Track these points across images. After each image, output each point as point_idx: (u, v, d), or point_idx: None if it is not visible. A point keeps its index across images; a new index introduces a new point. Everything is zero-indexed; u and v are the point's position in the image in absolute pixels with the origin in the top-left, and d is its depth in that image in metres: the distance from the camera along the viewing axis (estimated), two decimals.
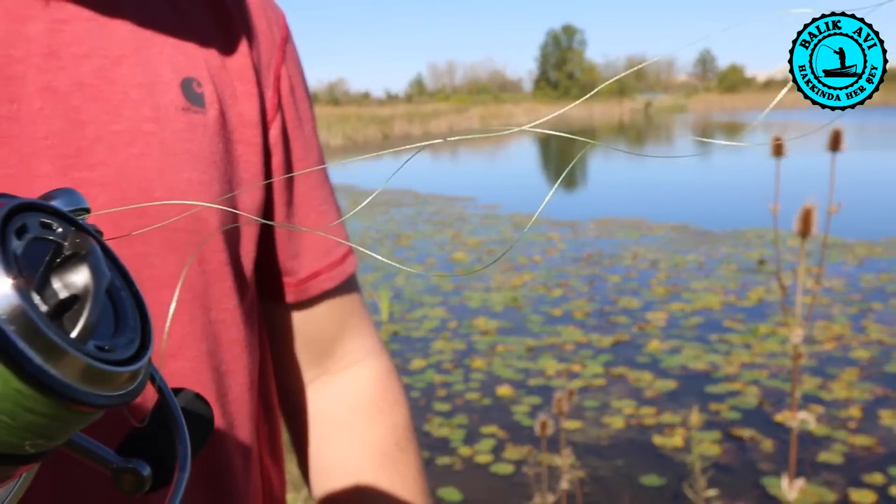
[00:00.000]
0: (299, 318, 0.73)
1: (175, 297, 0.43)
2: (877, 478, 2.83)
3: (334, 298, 0.74)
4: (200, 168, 0.59)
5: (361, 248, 0.34)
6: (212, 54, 0.63)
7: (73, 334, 0.24)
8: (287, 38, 0.71)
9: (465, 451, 3.24)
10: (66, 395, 0.23)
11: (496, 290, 5.74)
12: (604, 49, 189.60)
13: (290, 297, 0.72)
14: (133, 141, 0.56)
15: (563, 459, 2.30)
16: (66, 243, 0.25)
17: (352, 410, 0.75)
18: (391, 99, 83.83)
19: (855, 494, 2.74)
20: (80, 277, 0.24)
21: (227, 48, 0.65)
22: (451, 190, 11.60)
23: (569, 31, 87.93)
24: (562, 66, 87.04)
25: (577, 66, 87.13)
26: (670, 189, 11.51)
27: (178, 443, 0.31)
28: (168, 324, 0.55)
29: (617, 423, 3.42)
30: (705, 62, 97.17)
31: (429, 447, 3.26)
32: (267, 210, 0.69)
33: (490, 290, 5.73)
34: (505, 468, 3.08)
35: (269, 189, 0.68)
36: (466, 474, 3.06)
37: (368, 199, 0.34)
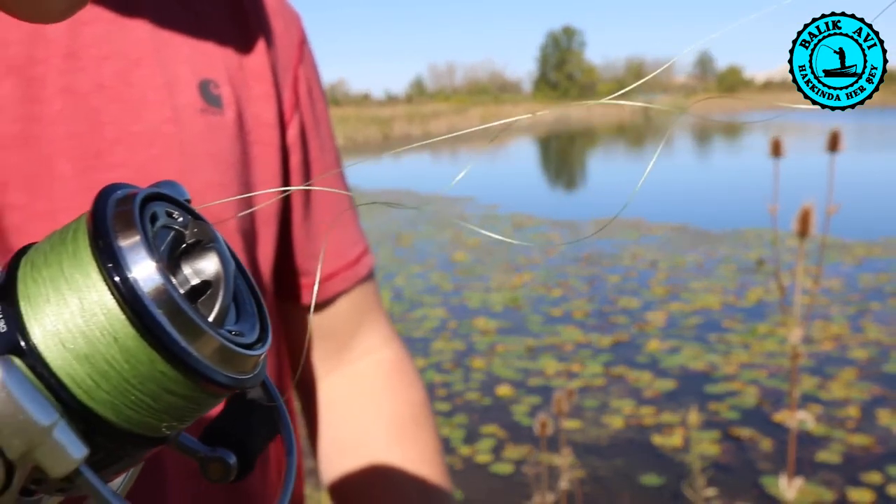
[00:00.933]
0: (316, 317, 0.74)
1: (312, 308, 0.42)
2: (875, 477, 2.84)
3: (350, 297, 0.75)
4: (220, 169, 0.60)
5: (473, 227, 0.35)
6: (229, 55, 0.64)
7: (210, 318, 0.25)
8: (304, 40, 0.72)
9: (464, 450, 3.24)
10: (209, 377, 0.24)
11: (496, 290, 5.74)
12: (603, 50, 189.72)
13: (306, 298, 0.72)
14: (152, 142, 0.57)
15: (563, 459, 2.31)
16: (186, 232, 0.26)
17: (366, 392, 0.75)
18: (391, 100, 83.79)
19: (853, 493, 2.75)
20: (209, 264, 0.25)
21: (245, 49, 0.65)
22: (451, 190, 11.59)
23: (568, 32, 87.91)
24: (561, 67, 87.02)
25: (576, 67, 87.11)
26: (669, 189, 11.50)
27: (282, 430, 0.32)
28: (310, 334, 0.56)
29: (616, 422, 3.42)
30: (704, 63, 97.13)
31: None
32: (285, 211, 0.69)
33: (490, 290, 5.73)
34: (505, 468, 3.09)
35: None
36: (466, 474, 3.07)
37: (455, 179, 0.34)
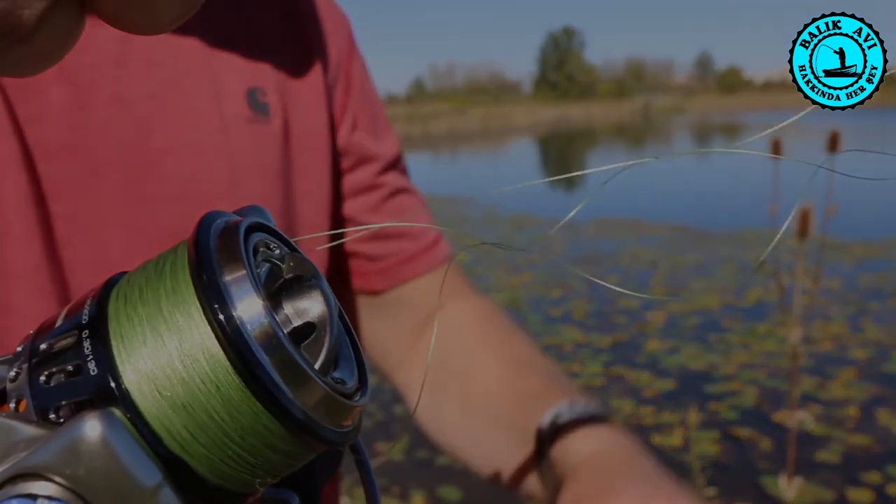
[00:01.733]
0: (396, 295, 0.74)
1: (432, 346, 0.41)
2: (874, 477, 2.84)
3: (430, 278, 0.75)
4: (265, 180, 0.60)
5: (586, 275, 0.35)
6: (279, 60, 0.63)
7: (316, 365, 0.22)
8: (353, 42, 0.72)
9: None
10: (318, 434, 0.22)
11: (496, 290, 5.74)
12: (603, 50, 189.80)
13: (378, 286, 0.73)
14: (200, 153, 0.56)
15: None
16: (283, 265, 0.23)
17: (459, 329, 0.74)
18: (391, 100, 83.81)
19: (852, 493, 2.75)
20: (314, 305, 0.22)
21: (295, 53, 0.64)
22: (451, 190, 11.60)
23: (568, 32, 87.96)
24: (561, 68, 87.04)
25: (576, 67, 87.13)
26: (669, 190, 11.51)
27: (367, 484, 0.29)
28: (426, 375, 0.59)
29: (616, 422, 3.42)
30: (704, 64, 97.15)
31: (428, 447, 3.26)
32: (336, 221, 0.69)
33: (490, 291, 5.73)
34: None
35: (336, 199, 0.69)
36: (466, 473, 3.05)
37: (573, 212, 0.34)
